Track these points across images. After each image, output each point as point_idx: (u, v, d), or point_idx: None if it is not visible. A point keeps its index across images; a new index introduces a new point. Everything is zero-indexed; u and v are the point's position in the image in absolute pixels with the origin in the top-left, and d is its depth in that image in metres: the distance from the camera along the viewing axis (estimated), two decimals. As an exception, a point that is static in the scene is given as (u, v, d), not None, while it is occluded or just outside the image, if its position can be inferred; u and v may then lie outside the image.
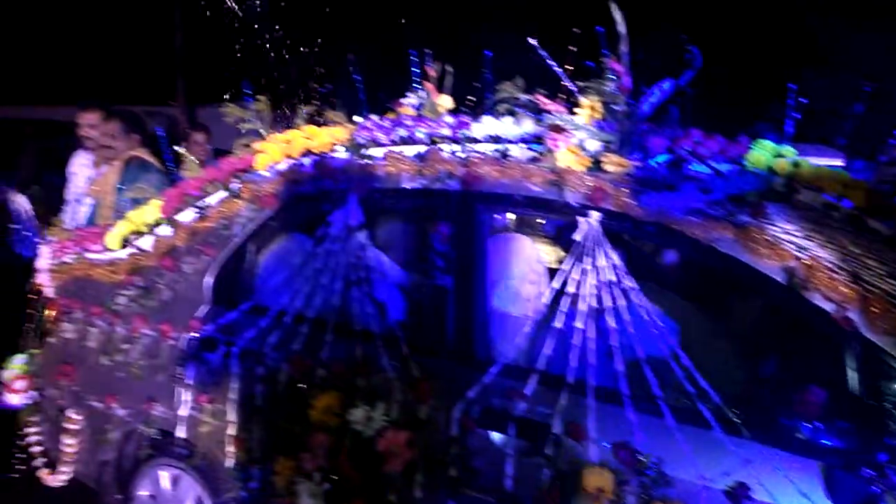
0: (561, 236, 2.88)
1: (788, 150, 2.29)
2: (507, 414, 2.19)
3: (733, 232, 2.03)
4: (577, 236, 2.23)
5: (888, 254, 1.90)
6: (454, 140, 2.64)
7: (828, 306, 1.92)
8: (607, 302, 2.16)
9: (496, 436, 2.20)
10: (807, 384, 2.07)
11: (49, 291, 3.39)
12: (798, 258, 1.95)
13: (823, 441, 1.95)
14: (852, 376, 1.88)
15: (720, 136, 2.48)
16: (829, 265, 1.92)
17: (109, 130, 4.44)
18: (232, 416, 2.63)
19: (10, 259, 5.23)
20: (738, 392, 2.29)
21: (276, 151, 2.85)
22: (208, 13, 13.81)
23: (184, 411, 2.76)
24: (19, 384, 3.33)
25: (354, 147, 2.76)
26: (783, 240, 1.99)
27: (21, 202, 5.40)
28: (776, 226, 2.04)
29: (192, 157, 5.35)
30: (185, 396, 2.75)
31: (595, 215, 2.22)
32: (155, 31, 13.93)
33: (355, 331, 2.51)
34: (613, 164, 2.31)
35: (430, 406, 2.29)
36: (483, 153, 2.50)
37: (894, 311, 1.82)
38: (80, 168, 4.76)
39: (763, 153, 2.29)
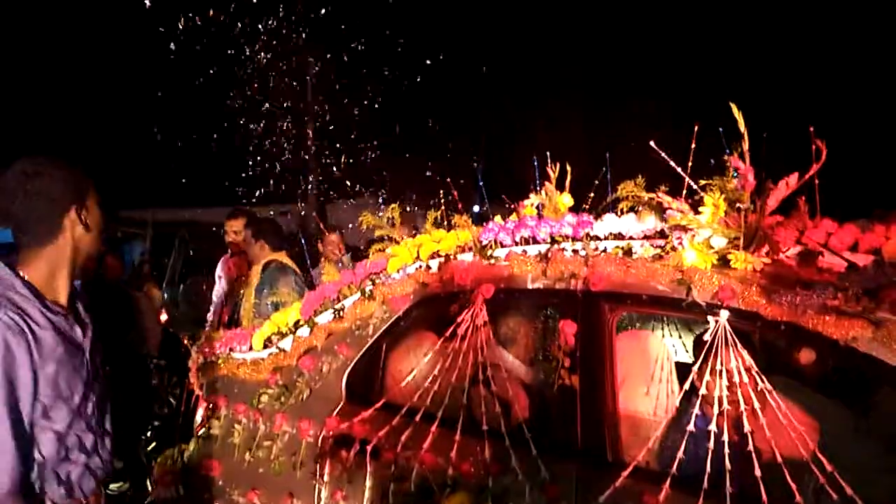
0: (690, 335, 2.84)
1: (929, 238, 2.21)
2: (641, 519, 2.14)
3: (872, 330, 1.95)
4: (707, 336, 2.21)
5: None
6: (576, 239, 2.70)
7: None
8: (741, 403, 2.10)
9: (630, 542, 2.15)
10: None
11: (198, 389, 3.64)
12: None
13: None
14: None
15: (854, 227, 2.41)
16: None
17: (247, 236, 4.82)
18: (366, 513, 2.70)
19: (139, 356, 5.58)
20: (885, 496, 2.13)
21: (406, 255, 3.01)
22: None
23: (320, 507, 2.85)
24: (168, 477, 3.54)
25: (479, 248, 2.87)
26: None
27: (146, 303, 5.72)
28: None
29: (328, 257, 5.70)
30: (323, 493, 2.85)
31: (724, 314, 2.19)
32: (290, 134, 15.05)
33: (484, 430, 2.55)
34: (740, 261, 2.29)
35: (561, 509, 2.27)
36: (606, 251, 2.54)
37: None
38: (226, 271, 5.15)
39: (901, 242, 2.22)
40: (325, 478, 2.86)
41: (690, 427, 2.16)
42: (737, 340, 2.15)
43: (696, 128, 2.85)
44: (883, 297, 2.01)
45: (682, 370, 2.65)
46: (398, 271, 3.03)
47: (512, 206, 3.19)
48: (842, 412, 2.35)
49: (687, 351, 3.01)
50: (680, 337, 3.15)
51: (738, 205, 2.35)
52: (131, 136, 16.17)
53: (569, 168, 3.06)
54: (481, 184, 3.26)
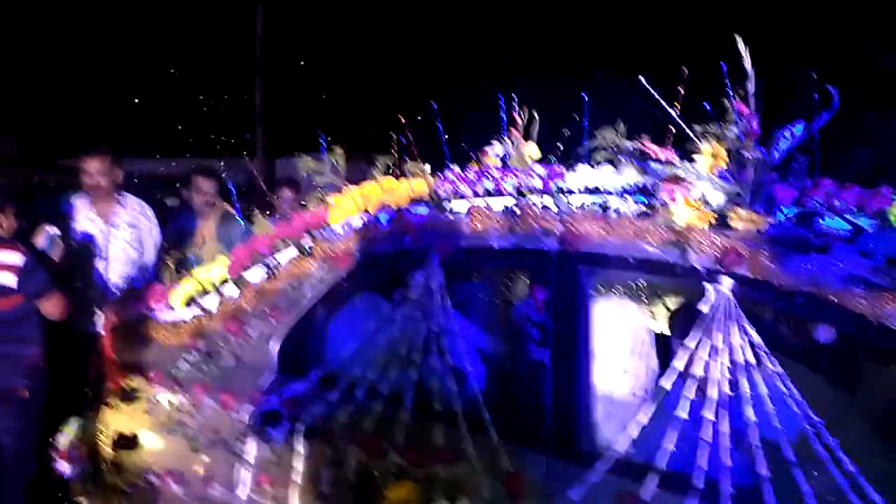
0: (684, 306, 2.52)
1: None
2: (621, 521, 1.82)
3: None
4: (705, 307, 1.88)
5: None
6: (546, 192, 2.38)
7: None
8: (744, 388, 1.79)
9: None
10: None
11: (109, 354, 3.21)
12: None
13: None
14: None
15: (858, 188, 2.13)
16: None
17: (117, 176, 4.31)
18: (294, 501, 2.35)
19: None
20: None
21: (351, 206, 2.65)
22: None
23: (242, 493, 2.49)
24: (73, 452, 3.13)
25: (436, 201, 2.56)
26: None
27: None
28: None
29: (282, 212, 5.25)
30: (245, 476, 2.48)
31: (727, 282, 1.86)
32: (235, 85, 14.40)
33: (436, 410, 2.21)
34: (744, 220, 1.97)
35: (525, 506, 1.94)
36: (586, 208, 2.21)
37: None
38: (88, 221, 4.41)
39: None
40: (251, 460, 2.48)
41: (681, 414, 1.84)
42: (741, 313, 1.82)
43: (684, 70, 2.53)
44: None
45: (665, 344, 2.34)
46: (341, 225, 2.64)
47: (473, 155, 2.85)
48: (864, 402, 2.07)
49: (679, 324, 2.69)
50: (665, 306, 2.83)
51: (744, 155, 2.02)
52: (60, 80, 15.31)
53: (535, 114, 2.73)
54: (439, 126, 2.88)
